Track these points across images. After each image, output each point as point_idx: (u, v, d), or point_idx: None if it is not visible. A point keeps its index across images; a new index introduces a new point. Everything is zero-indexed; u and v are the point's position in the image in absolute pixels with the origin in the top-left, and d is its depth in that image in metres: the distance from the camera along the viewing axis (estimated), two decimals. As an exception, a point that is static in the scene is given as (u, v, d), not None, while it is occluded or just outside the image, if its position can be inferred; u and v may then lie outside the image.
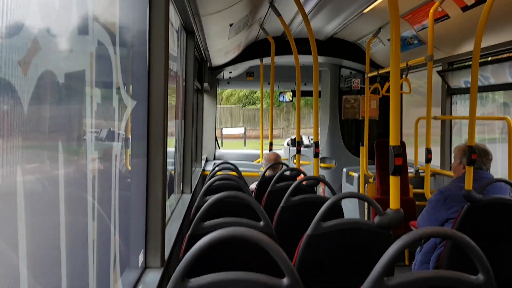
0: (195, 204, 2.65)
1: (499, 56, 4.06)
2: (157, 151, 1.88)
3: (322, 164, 6.42)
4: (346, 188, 5.54)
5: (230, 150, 7.75)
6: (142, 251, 1.81)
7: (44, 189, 0.93)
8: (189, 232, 1.93)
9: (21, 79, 0.80)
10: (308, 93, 7.56)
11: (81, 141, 1.15)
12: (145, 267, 1.82)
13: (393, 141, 2.23)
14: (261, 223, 1.86)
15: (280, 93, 7.94)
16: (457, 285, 1.12)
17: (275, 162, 4.13)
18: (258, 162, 6.22)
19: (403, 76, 4.54)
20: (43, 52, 0.89)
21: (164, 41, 1.90)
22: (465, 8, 3.59)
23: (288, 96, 7.69)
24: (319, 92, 6.43)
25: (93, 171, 1.22)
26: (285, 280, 1.09)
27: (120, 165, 1.55)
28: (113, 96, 1.44)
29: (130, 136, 1.71)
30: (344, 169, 5.64)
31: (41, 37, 0.88)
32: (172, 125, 3.37)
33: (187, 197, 3.68)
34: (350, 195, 2.23)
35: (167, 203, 2.52)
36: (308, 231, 1.94)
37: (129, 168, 1.74)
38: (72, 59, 1.06)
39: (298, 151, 4.18)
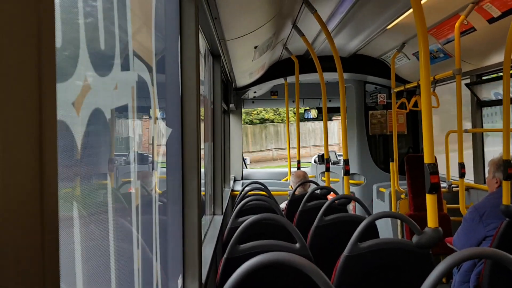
0: (228, 226, 2.67)
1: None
2: (192, 176, 1.92)
3: (351, 181, 6.37)
4: (377, 204, 5.47)
5: (257, 170, 7.77)
6: (181, 275, 1.83)
7: (97, 220, 0.97)
8: (225, 255, 1.95)
9: (75, 119, 0.85)
10: (333, 110, 7.56)
11: (126, 172, 1.20)
12: (184, 291, 1.84)
13: (427, 158, 2.20)
14: (297, 245, 1.87)
15: (305, 110, 7.96)
16: None
17: (304, 180, 4.13)
18: (286, 180, 6.21)
19: (431, 90, 4.49)
20: (93, 91, 0.94)
21: (195, 68, 1.96)
22: (491, 20, 3.56)
23: (313, 113, 7.69)
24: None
25: (136, 200, 1.26)
26: (328, 305, 1.09)
27: (158, 192, 1.59)
28: (152, 126, 1.49)
29: (166, 162, 1.75)
30: (375, 186, 5.58)
31: (90, 77, 0.93)
32: (202, 147, 3.43)
33: (219, 218, 3.71)
34: (386, 215, 2.20)
35: (201, 226, 2.55)
36: (345, 252, 1.93)
37: (159, 191, 1.78)
38: (117, 95, 1.11)
39: (327, 169, 4.17)
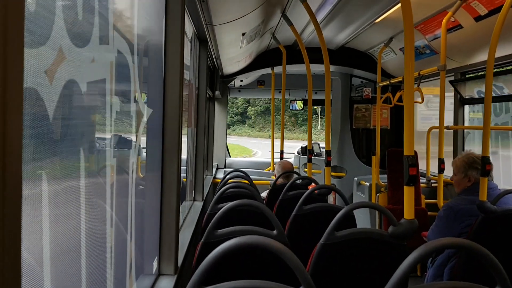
0: (208, 211, 2.66)
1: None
2: (172, 159, 1.90)
3: (333, 173, 6.41)
4: (357, 197, 5.52)
5: (240, 158, 7.76)
6: (156, 258, 1.82)
7: (66, 195, 0.95)
8: (202, 240, 1.94)
9: (47, 88, 0.83)
10: (319, 102, 7.57)
11: (101, 148, 1.17)
12: (159, 273, 1.83)
13: (407, 151, 2.22)
14: (275, 231, 1.87)
15: (291, 101, 7.96)
16: None
17: (289, 171, 4.12)
18: (269, 170, 6.22)
19: (415, 85, 4.53)
20: (68, 61, 0.91)
21: (179, 51, 1.93)
22: (478, 18, 3.59)
23: (299, 104, 7.70)
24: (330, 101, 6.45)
25: (111, 178, 1.24)
26: (301, 289, 1.09)
27: (136, 172, 1.56)
28: (131, 104, 1.47)
29: (145, 144, 1.73)
30: (355, 178, 5.62)
31: (65, 47, 0.91)
32: (185, 133, 3.40)
33: (199, 204, 3.69)
34: (364, 205, 2.22)
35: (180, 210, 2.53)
36: (322, 240, 1.94)
37: (141, 175, 1.76)
38: (94, 68, 1.08)
39: (310, 160, 4.18)
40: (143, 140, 1.68)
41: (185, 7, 2.56)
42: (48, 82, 0.83)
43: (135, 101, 1.52)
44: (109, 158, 1.22)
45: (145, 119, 1.66)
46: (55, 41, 0.85)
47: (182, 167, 3.12)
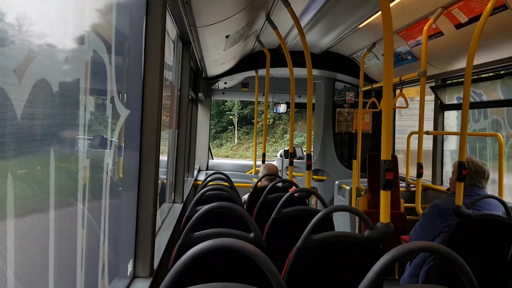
0: (186, 214, 2.64)
1: (491, 74, 4.12)
2: (150, 160, 1.89)
3: (314, 176, 6.44)
4: (338, 200, 5.55)
5: (223, 160, 7.76)
6: (131, 260, 1.80)
7: (34, 195, 0.93)
8: (179, 242, 1.93)
9: (15, 87, 0.81)
10: (302, 105, 7.62)
11: (73, 148, 1.16)
12: (134, 276, 1.81)
13: (384, 155, 2.25)
14: (252, 234, 1.87)
15: (274, 104, 7.99)
16: None
17: (271, 174, 4.12)
18: (251, 173, 6.22)
19: (399, 90, 4.60)
20: (38, 60, 0.90)
21: (160, 51, 1.92)
22: (458, 26, 3.65)
23: (282, 108, 7.73)
24: (313, 104, 6.49)
25: (84, 178, 1.22)
26: (273, 292, 1.09)
27: (112, 173, 1.55)
28: (107, 105, 1.45)
29: (123, 145, 1.71)
30: (336, 182, 5.66)
31: (36, 46, 0.89)
32: (166, 134, 3.38)
33: (179, 206, 3.67)
34: (340, 209, 2.24)
35: (158, 212, 2.51)
36: (298, 243, 1.94)
37: (121, 176, 1.75)
38: (67, 68, 1.07)
39: (291, 163, 4.20)
40: (121, 141, 1.66)
41: (168, 8, 2.55)
42: (17, 81, 0.82)
43: (112, 101, 1.50)
44: (82, 159, 1.20)
45: (122, 119, 1.65)
46: (25, 39, 0.84)
47: (162, 169, 3.09)
